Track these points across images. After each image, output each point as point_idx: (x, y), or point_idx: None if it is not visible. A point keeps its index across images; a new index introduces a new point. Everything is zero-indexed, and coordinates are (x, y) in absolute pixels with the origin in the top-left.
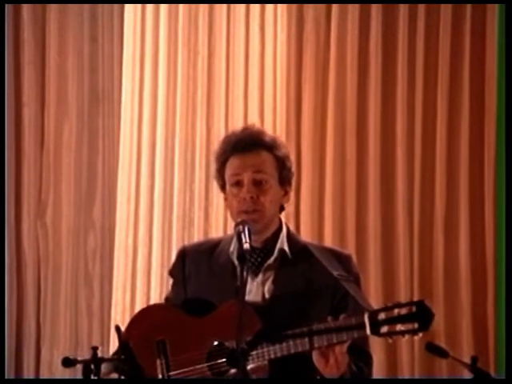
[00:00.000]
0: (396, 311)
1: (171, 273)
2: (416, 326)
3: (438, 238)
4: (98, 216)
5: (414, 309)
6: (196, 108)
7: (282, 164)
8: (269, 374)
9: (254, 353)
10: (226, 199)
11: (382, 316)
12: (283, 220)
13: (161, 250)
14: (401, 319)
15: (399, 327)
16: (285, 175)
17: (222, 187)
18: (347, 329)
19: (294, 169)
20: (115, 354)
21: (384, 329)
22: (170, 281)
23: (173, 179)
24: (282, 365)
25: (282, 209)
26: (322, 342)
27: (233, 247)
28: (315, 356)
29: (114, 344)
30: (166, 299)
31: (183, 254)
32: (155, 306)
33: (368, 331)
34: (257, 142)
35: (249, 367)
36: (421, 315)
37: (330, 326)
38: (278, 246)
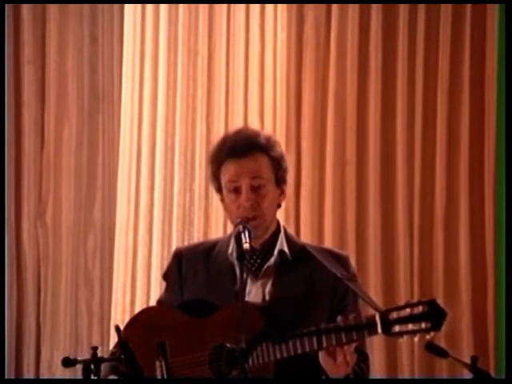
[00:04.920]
0: (408, 310)
1: (166, 275)
2: (428, 325)
3: (438, 237)
4: (98, 216)
5: (426, 308)
6: (196, 108)
7: (277, 165)
8: (273, 374)
9: (259, 352)
10: (222, 200)
11: (393, 315)
12: (281, 222)
13: (161, 250)
14: (413, 318)
15: (411, 327)
16: (281, 176)
17: (218, 189)
18: (358, 328)
19: (289, 167)
20: (112, 353)
21: (395, 328)
22: (164, 284)
23: (173, 179)
24: (286, 364)
25: (278, 206)
26: (330, 342)
27: (231, 248)
28: (322, 355)
29: (113, 344)
30: (159, 302)
31: (179, 257)
32: (155, 307)
33: (379, 330)
34: (252, 144)
35: (253, 367)
36: (433, 314)
37: (340, 325)
38: (278, 247)
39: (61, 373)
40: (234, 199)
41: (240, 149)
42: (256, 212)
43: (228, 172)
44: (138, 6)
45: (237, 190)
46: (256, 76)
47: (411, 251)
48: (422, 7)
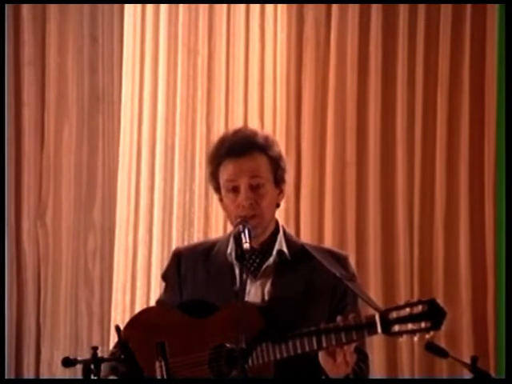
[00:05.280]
0: (407, 310)
1: (165, 275)
2: (428, 324)
3: (438, 237)
4: (98, 216)
5: (425, 307)
6: (196, 108)
7: (276, 164)
8: (273, 374)
9: (259, 352)
10: (220, 200)
11: (393, 315)
12: (279, 221)
13: (161, 249)
14: (412, 318)
15: (411, 326)
16: (279, 175)
17: (217, 189)
18: (358, 328)
19: (287, 167)
20: (112, 353)
21: (395, 328)
22: (163, 284)
23: (173, 179)
24: (286, 364)
25: (277, 206)
26: (330, 342)
27: (230, 248)
28: (322, 355)
29: (114, 344)
30: (158, 302)
31: (178, 256)
32: (154, 307)
33: (379, 330)
34: (250, 144)
35: (253, 367)
36: (433, 314)
37: (339, 325)
38: (277, 247)
39: (61, 373)
40: (233, 199)
41: (238, 148)
42: (255, 211)
43: (226, 171)
44: (138, 5)
45: (235, 190)
46: (256, 76)
47: (411, 251)
48: (422, 7)
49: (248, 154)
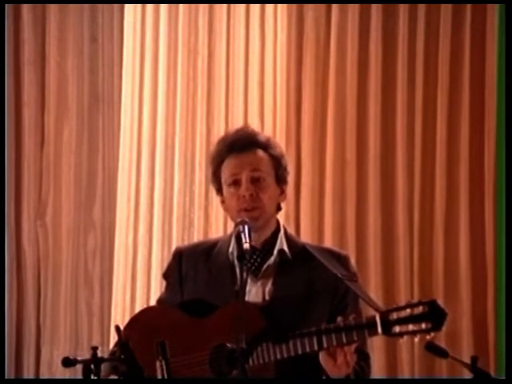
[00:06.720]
0: (408, 311)
1: (166, 274)
2: (429, 325)
3: (438, 238)
4: (98, 216)
5: (426, 308)
6: (196, 108)
7: (277, 163)
8: (274, 374)
9: (260, 352)
10: (222, 202)
11: (393, 316)
12: (281, 221)
13: (161, 250)
14: (413, 319)
15: (411, 327)
16: (281, 174)
17: (218, 190)
18: (358, 328)
19: (289, 168)
20: (111, 354)
21: (396, 329)
22: (164, 283)
23: (173, 179)
24: (287, 364)
25: (278, 208)
26: (331, 342)
27: (232, 247)
28: (323, 356)
29: (114, 343)
30: (159, 301)
31: (179, 255)
32: (155, 307)
33: (380, 331)
34: (252, 141)
35: (254, 367)
36: (433, 315)
37: (340, 325)
38: (278, 246)
39: (61, 373)
40: (234, 192)
41: (240, 145)
42: (255, 203)
43: (228, 167)
44: (138, 5)
45: (237, 183)
46: (256, 76)
47: (411, 251)
48: (421, 7)
49: (249, 151)
